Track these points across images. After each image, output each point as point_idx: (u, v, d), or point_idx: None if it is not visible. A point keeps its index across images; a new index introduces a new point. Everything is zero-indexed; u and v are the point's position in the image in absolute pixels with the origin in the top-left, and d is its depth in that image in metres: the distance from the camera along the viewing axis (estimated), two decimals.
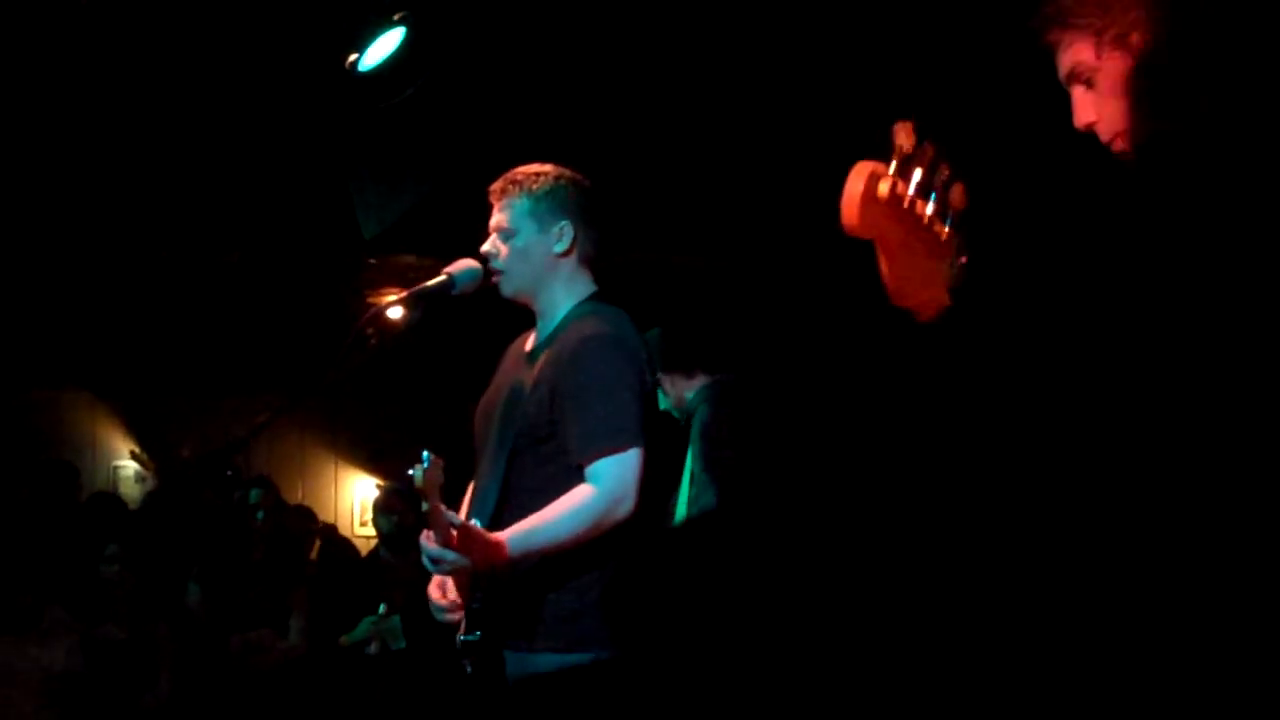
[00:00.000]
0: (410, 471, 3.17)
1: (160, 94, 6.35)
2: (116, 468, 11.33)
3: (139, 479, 11.16)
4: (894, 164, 1.78)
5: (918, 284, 1.83)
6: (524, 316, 3.80)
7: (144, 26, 5.73)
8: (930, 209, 1.82)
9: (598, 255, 3.73)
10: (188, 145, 6.96)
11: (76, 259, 8.72)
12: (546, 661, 3.43)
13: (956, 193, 1.83)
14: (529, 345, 3.77)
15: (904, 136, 1.77)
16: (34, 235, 8.22)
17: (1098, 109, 2.14)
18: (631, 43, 5.63)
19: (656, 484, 3.59)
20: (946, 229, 1.84)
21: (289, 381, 8.85)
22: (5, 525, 6.16)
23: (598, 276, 3.74)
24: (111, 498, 7.98)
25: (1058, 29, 2.15)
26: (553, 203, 3.67)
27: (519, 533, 3.34)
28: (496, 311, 3.83)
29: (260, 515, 7.17)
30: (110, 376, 10.84)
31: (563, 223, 3.67)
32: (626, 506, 3.39)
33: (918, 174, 1.81)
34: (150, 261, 8.97)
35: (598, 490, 3.38)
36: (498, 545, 3.29)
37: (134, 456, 11.23)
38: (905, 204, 1.78)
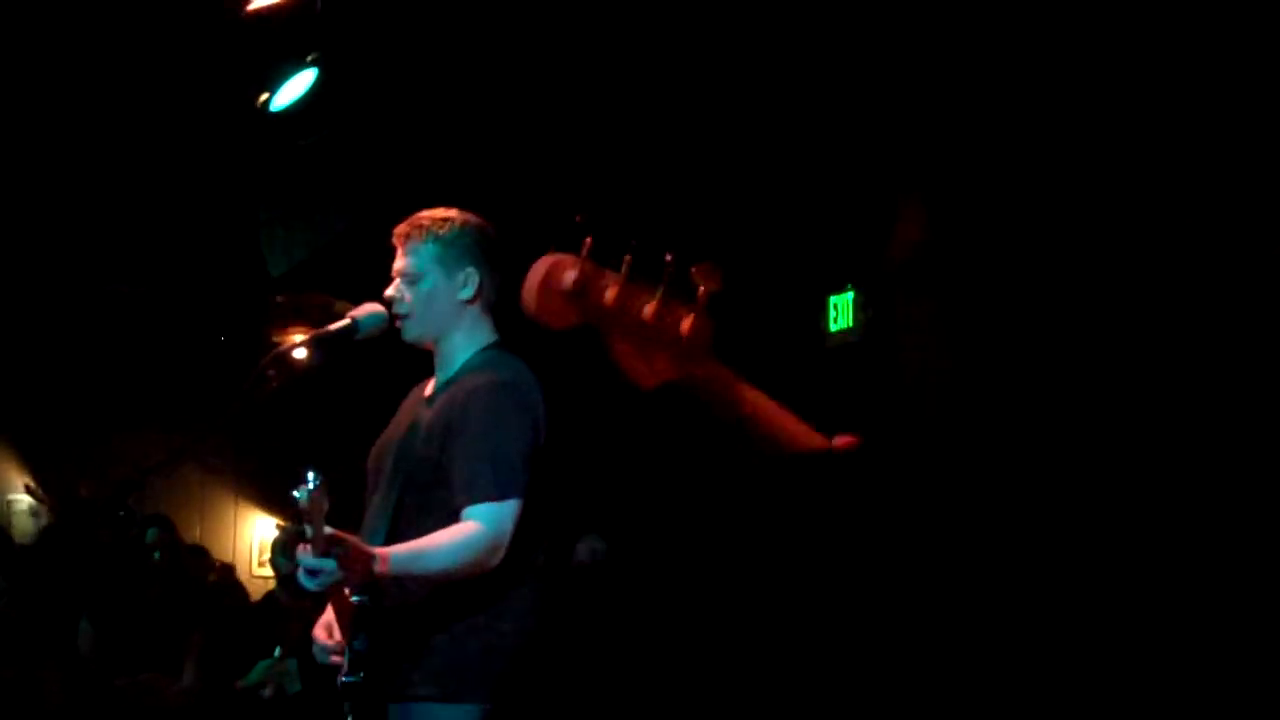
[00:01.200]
0: (294, 493, 3.11)
1: (69, 125, 6.31)
2: (10, 501, 11.13)
3: (33, 513, 10.97)
4: (582, 256, 1.91)
5: (636, 358, 1.96)
6: (428, 358, 3.79)
7: (55, 55, 5.70)
8: (650, 299, 1.94)
9: (499, 302, 3.72)
10: (95, 176, 6.91)
11: None
12: (423, 711, 3.40)
13: (700, 279, 1.95)
14: (428, 390, 3.76)
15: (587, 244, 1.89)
16: None
17: None
18: (533, 82, 5.66)
19: (542, 534, 3.58)
20: (679, 314, 1.96)
21: (191, 419, 8.77)
22: None
23: (498, 324, 3.73)
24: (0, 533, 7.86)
25: None
26: (459, 248, 3.65)
27: (402, 551, 3.31)
28: (401, 354, 3.82)
29: (156, 554, 7.07)
30: (6, 409, 10.67)
31: (469, 269, 3.65)
32: (499, 556, 3.38)
33: (620, 270, 1.93)
34: (51, 293, 8.87)
35: (484, 529, 3.37)
36: (378, 558, 3.24)
37: (29, 491, 11.04)
38: (605, 294, 1.90)
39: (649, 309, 1.94)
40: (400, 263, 3.68)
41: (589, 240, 1.98)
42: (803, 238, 6.96)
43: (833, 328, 7.32)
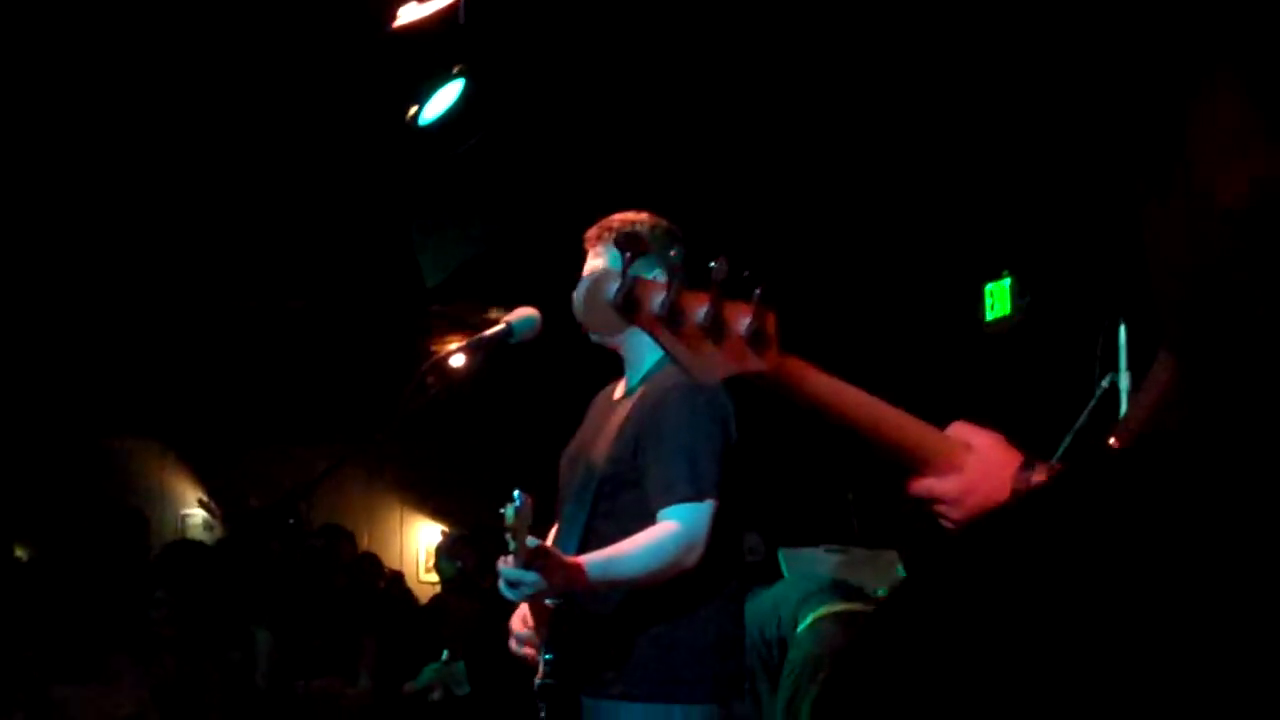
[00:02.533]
0: (502, 510, 3.16)
1: (228, 146, 6.46)
2: (185, 516, 11.42)
3: (207, 527, 11.23)
4: (624, 268, 1.95)
5: (694, 359, 1.96)
6: (593, 365, 3.80)
7: (212, 83, 5.83)
8: (702, 301, 1.93)
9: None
10: (254, 196, 7.06)
11: (147, 308, 8.84)
12: (617, 709, 3.43)
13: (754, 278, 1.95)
14: (617, 394, 3.77)
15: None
16: (106, 285, 8.34)
17: None
18: (688, 91, 5.66)
19: (736, 533, 3.60)
20: (735, 311, 1.95)
21: (354, 429, 8.92)
22: (75, 573, 6.23)
23: None
24: (185, 544, 8.06)
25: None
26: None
27: (599, 559, 3.33)
28: (562, 360, 3.84)
29: (332, 564, 7.21)
30: (179, 425, 10.94)
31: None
32: (695, 555, 3.37)
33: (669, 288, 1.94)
34: (219, 310, 9.09)
35: (679, 530, 3.38)
36: (576, 568, 3.28)
37: (202, 505, 11.31)
38: (653, 300, 1.94)
39: (701, 311, 1.94)
40: (590, 264, 3.67)
41: (629, 255, 2.02)
42: (959, 227, 6.90)
43: (990, 315, 7.25)
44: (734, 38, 5.41)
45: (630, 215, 3.71)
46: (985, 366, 7.26)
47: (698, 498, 3.40)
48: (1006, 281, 7.12)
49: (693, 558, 3.38)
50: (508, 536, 3.19)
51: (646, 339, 3.58)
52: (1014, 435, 2.19)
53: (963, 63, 5.40)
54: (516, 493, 3.16)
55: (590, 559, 3.33)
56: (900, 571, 6.56)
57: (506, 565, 3.26)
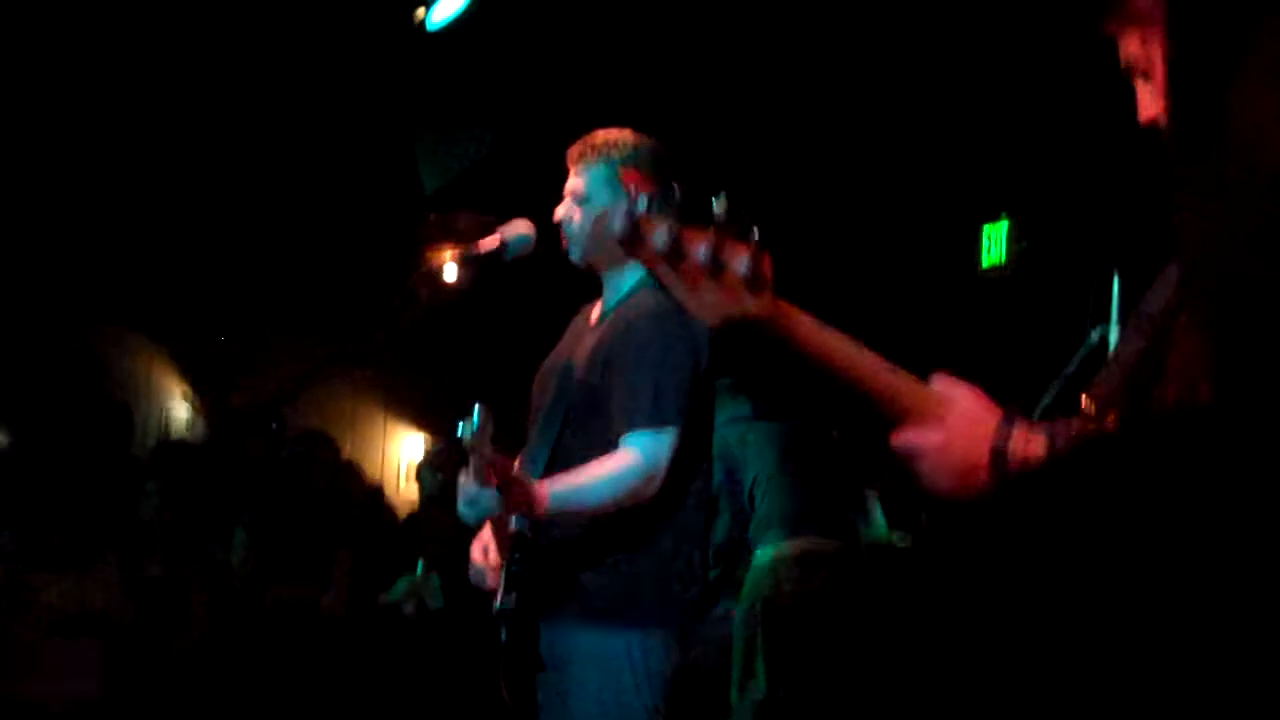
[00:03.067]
0: (459, 426, 3.13)
1: (223, 36, 6.39)
2: (168, 410, 11.40)
3: (190, 424, 11.23)
4: (631, 202, 1.97)
5: (694, 298, 1.98)
6: (584, 281, 3.77)
7: None
8: (702, 240, 1.94)
9: None
10: (253, 91, 7.00)
11: (137, 198, 8.78)
12: (576, 634, 3.43)
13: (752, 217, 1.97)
14: (593, 316, 3.74)
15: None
16: (95, 175, 8.29)
17: (1155, 102, 1.92)
18: (693, 16, 5.61)
19: (700, 462, 3.58)
20: (735, 251, 1.95)
21: (343, 333, 8.89)
22: (57, 463, 6.21)
23: None
24: (181, 444, 8.06)
25: (1111, 20, 2.04)
26: (630, 169, 3.62)
27: (561, 489, 3.32)
28: (554, 274, 3.81)
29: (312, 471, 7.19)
30: (167, 317, 10.90)
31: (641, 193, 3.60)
32: (654, 485, 3.37)
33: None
34: (214, 204, 9.03)
35: (639, 459, 3.36)
36: (538, 493, 3.26)
37: (186, 399, 11.29)
38: (656, 237, 1.94)
39: (702, 249, 1.93)
40: (571, 183, 3.64)
41: (634, 190, 2.03)
42: (957, 169, 6.86)
43: (986, 260, 7.23)
44: None
45: (614, 133, 3.65)
46: (978, 310, 7.24)
47: (659, 425, 3.38)
48: (1004, 225, 7.09)
49: (652, 488, 3.37)
50: (469, 456, 3.17)
51: (628, 265, 3.58)
52: (1002, 381, 2.18)
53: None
54: (476, 407, 3.12)
55: (554, 488, 3.30)
56: (879, 512, 6.57)
57: (466, 482, 3.24)
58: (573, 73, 5.96)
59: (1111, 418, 2.00)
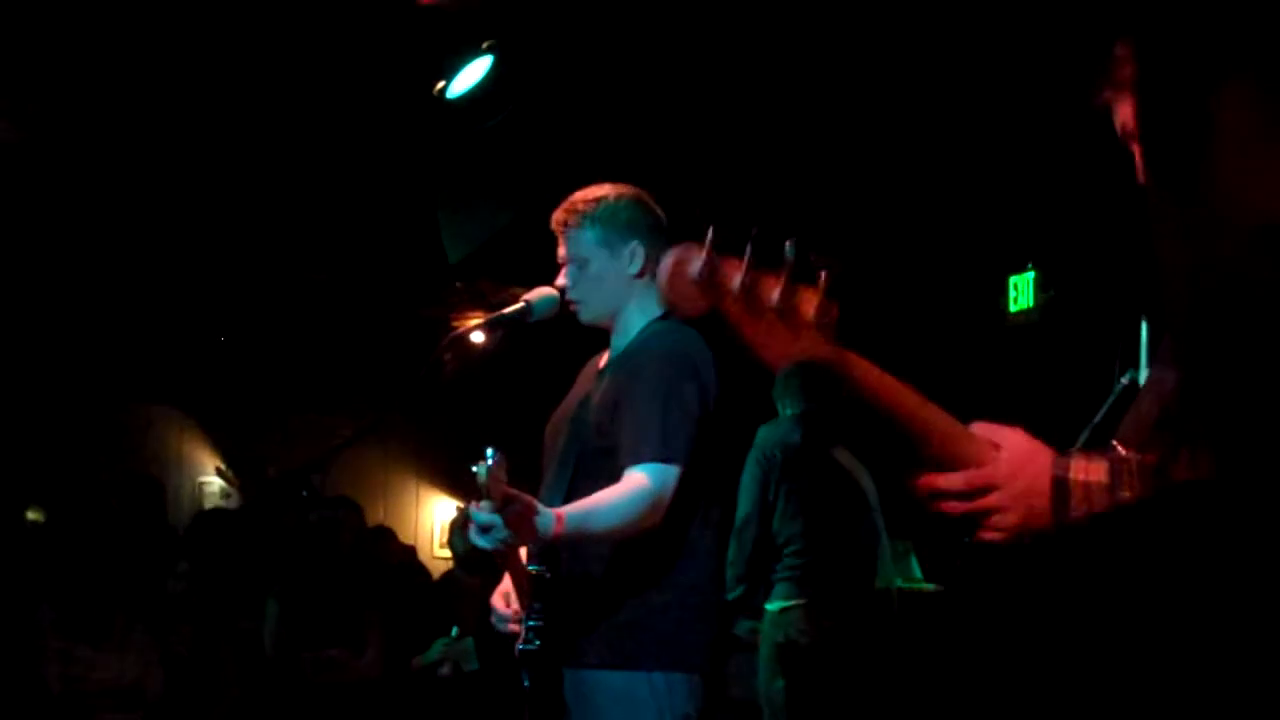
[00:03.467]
0: (474, 469, 3.12)
1: (256, 117, 6.46)
2: (202, 484, 11.45)
3: (224, 495, 11.27)
4: (706, 245, 2.00)
5: (763, 341, 2.02)
6: (603, 337, 3.81)
7: (249, 54, 5.83)
8: (774, 283, 1.99)
9: None
10: (281, 167, 7.06)
11: (171, 276, 8.86)
12: (597, 677, 3.43)
13: (821, 263, 2.04)
14: (602, 362, 3.78)
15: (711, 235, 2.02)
16: (131, 252, 8.36)
17: None
18: (710, 69, 5.65)
19: (710, 504, 3.59)
20: (803, 297, 2.00)
21: (373, 402, 8.94)
22: (91, 537, 6.24)
23: None
24: (216, 514, 8.09)
25: (1105, 90, 2.08)
26: (619, 225, 3.64)
27: (577, 510, 3.32)
28: (578, 335, 3.84)
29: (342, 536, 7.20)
30: (198, 393, 10.97)
31: (632, 243, 3.64)
32: (659, 515, 3.37)
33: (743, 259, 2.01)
34: (243, 280, 9.10)
35: (648, 483, 3.36)
36: (555, 516, 3.25)
37: (219, 473, 11.34)
38: (730, 280, 1.99)
39: (774, 293, 1.99)
40: (564, 250, 3.69)
41: (711, 230, 2.07)
42: (984, 219, 6.88)
43: (1013, 308, 7.23)
44: (762, 23, 5.39)
45: (591, 192, 3.70)
46: (1008, 358, 7.24)
47: (665, 460, 3.38)
48: (1030, 274, 7.11)
49: (657, 517, 3.37)
50: (483, 497, 3.16)
51: (633, 310, 3.64)
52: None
53: (988, 53, 5.37)
54: (490, 450, 3.13)
55: (569, 510, 3.31)
56: (914, 561, 6.58)
57: (478, 509, 3.23)
58: (592, 140, 6.01)
59: (1183, 454, 2.03)
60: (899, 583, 6.24)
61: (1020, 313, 7.20)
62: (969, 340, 7.48)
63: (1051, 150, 5.63)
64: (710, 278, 1.99)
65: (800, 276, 2.02)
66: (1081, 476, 1.97)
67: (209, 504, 10.92)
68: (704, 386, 3.51)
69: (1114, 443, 2.29)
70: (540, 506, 3.24)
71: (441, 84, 5.30)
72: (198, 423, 11.44)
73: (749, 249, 2.02)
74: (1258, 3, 1.13)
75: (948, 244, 7.16)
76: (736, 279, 1.98)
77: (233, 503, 11.03)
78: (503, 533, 3.20)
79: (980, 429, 2.11)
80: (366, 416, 8.31)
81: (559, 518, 3.26)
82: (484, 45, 5.22)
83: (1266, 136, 1.01)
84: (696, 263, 1.99)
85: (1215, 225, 1.04)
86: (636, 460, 3.40)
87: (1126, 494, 1.91)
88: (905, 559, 6.58)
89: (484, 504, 3.17)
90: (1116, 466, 1.96)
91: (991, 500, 2.05)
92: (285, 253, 8.55)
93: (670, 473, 3.39)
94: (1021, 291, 7.17)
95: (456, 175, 6.74)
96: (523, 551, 3.40)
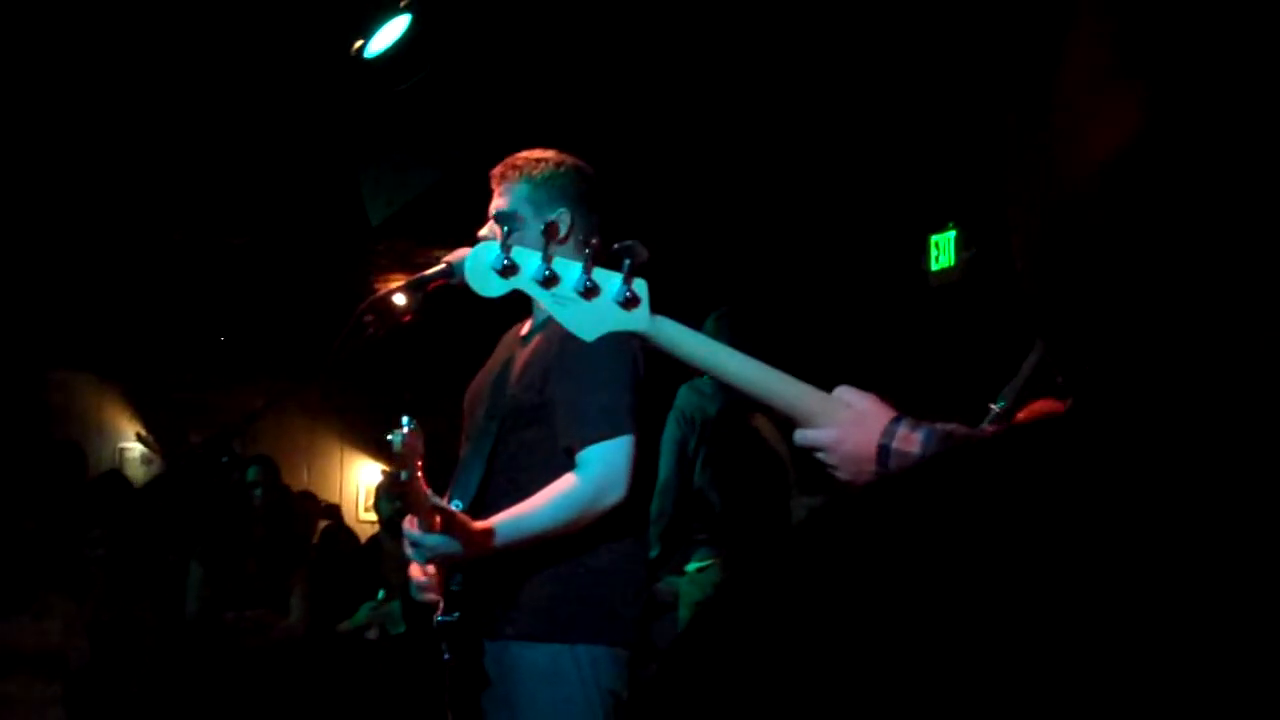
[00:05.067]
0: (389, 437, 3.13)
1: (169, 80, 6.37)
2: (122, 449, 11.35)
3: (145, 461, 11.18)
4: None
5: (573, 323, 2.37)
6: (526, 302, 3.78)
7: (157, 13, 5.74)
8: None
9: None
10: (195, 131, 6.97)
11: (88, 242, 8.74)
12: (518, 650, 3.41)
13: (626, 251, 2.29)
14: (523, 330, 3.77)
15: None
16: (46, 219, 8.24)
17: None
18: (635, 32, 5.62)
19: (644, 474, 3.58)
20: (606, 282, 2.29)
21: (295, 366, 8.87)
22: (9, 504, 6.17)
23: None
24: (117, 476, 8.00)
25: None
26: (552, 189, 3.63)
27: (506, 520, 3.33)
28: (505, 299, 3.81)
29: (258, 493, 7.17)
30: (117, 358, 10.86)
31: (560, 210, 3.62)
32: (616, 494, 3.37)
33: None
34: (159, 245, 8.99)
35: (583, 478, 3.36)
36: (485, 533, 3.28)
37: (140, 439, 11.24)
38: (530, 274, 2.34)
39: (575, 275, 2.26)
40: (495, 203, 3.67)
41: (507, 230, 2.38)
42: (903, 179, 6.90)
43: (934, 266, 7.27)
44: None
45: (536, 153, 3.70)
46: (930, 317, 7.28)
47: (613, 433, 3.39)
48: (951, 233, 7.14)
49: (612, 498, 3.38)
50: (399, 467, 3.18)
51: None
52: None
53: (902, 10, 5.38)
54: (405, 419, 3.14)
55: (498, 522, 3.32)
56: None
57: (411, 528, 3.27)
58: (515, 100, 5.97)
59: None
60: None
61: (941, 271, 7.23)
62: (891, 301, 7.52)
63: (968, 109, 5.65)
64: (505, 267, 2.28)
65: (602, 259, 2.24)
66: (900, 445, 2.15)
67: (130, 470, 10.83)
68: (634, 353, 3.50)
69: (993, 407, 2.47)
70: (471, 524, 3.26)
71: (359, 43, 5.24)
72: (118, 389, 11.33)
73: (553, 235, 2.24)
74: None
75: (867, 205, 7.19)
76: (534, 265, 2.25)
77: (154, 469, 10.95)
78: (434, 550, 3.25)
79: (840, 391, 2.24)
80: (289, 380, 8.24)
81: (488, 532, 3.29)
82: (401, 4, 5.17)
83: (1110, 73, 1.00)
84: (493, 252, 2.30)
85: (1059, 160, 1.02)
86: (584, 439, 3.40)
87: None
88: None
89: (415, 520, 3.25)
90: (928, 438, 2.14)
91: (823, 458, 2.22)
92: (204, 217, 8.45)
93: (620, 445, 3.39)
94: (943, 250, 7.21)
95: (377, 136, 6.68)
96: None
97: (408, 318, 3.76)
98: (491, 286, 2.27)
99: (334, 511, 9.23)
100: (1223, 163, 0.87)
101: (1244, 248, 0.87)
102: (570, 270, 2.21)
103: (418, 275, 3.67)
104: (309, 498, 8.80)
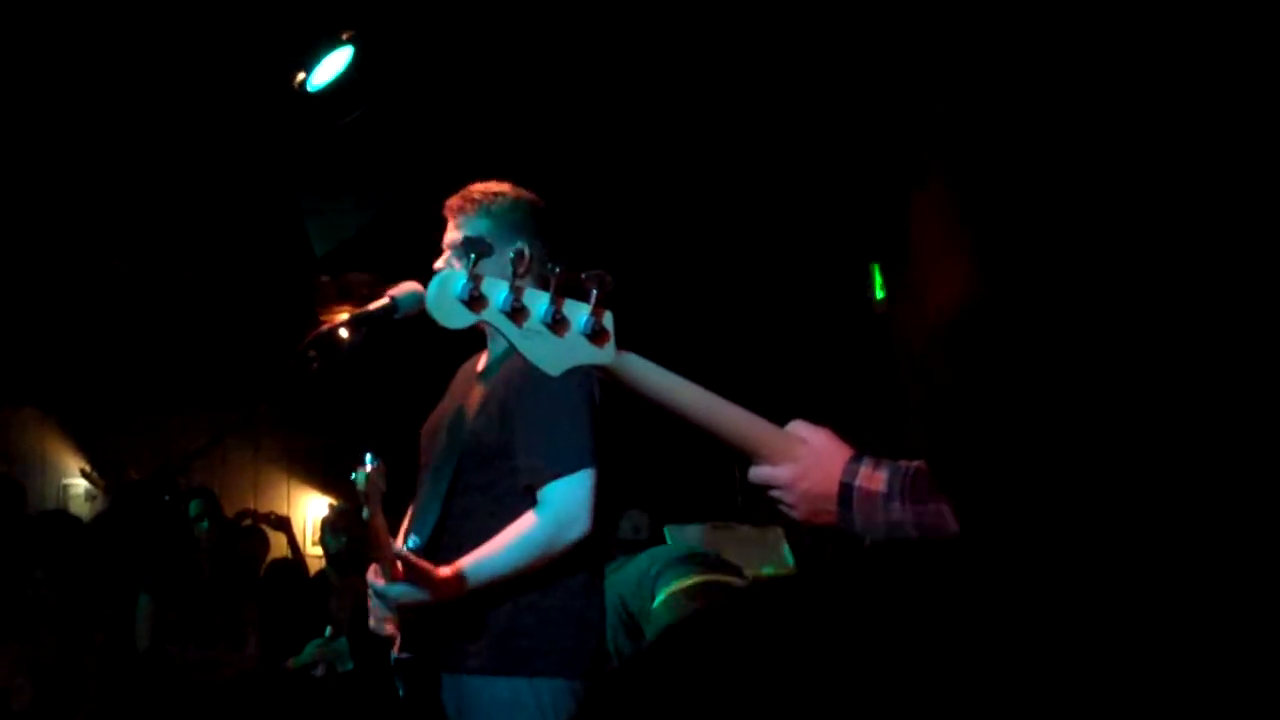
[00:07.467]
0: (353, 475, 3.12)
1: (111, 108, 6.33)
2: (66, 485, 11.23)
3: (89, 497, 11.06)
4: None
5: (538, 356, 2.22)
6: (480, 340, 3.77)
7: (102, 43, 5.72)
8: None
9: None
10: (140, 161, 6.94)
11: (27, 274, 8.67)
12: (476, 684, 3.39)
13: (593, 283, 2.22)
14: (480, 365, 3.75)
15: None
16: None
17: None
18: (575, 66, 5.64)
19: (606, 506, 3.58)
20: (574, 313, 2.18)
21: (239, 399, 8.82)
22: None
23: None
24: (62, 515, 7.92)
25: None
26: (513, 221, 3.62)
27: (472, 564, 3.32)
28: (450, 333, 3.80)
29: (204, 525, 7.11)
30: (60, 393, 10.75)
31: (519, 242, 3.60)
32: (579, 529, 3.36)
33: None
34: (102, 277, 8.93)
35: (543, 518, 3.35)
36: (454, 579, 3.27)
37: (85, 475, 11.13)
38: (496, 304, 2.20)
39: (541, 307, 2.17)
40: (450, 235, 3.65)
41: (474, 257, 2.26)
42: (848, 205, 6.93)
43: (880, 294, 7.30)
44: (617, 11, 5.39)
45: (493, 186, 3.69)
46: (873, 346, 7.30)
47: (574, 468, 3.38)
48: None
49: (575, 532, 3.37)
50: (363, 505, 3.17)
51: None
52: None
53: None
54: (368, 456, 3.12)
55: (465, 566, 3.32)
56: (785, 549, 6.61)
57: (375, 579, 3.28)
58: (458, 132, 5.97)
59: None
60: (768, 570, 6.24)
61: (885, 300, 7.25)
62: (835, 330, 7.54)
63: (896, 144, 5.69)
64: (471, 296, 2.15)
65: (571, 290, 2.15)
66: (864, 484, 2.12)
67: (74, 506, 10.71)
68: (591, 385, 3.49)
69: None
70: (437, 572, 3.26)
71: (302, 76, 5.23)
72: (60, 424, 11.21)
73: (522, 264, 2.21)
74: (950, 112, 1.19)
75: (809, 235, 7.21)
76: (500, 295, 2.14)
77: (99, 505, 10.84)
78: (401, 598, 3.26)
79: (794, 427, 2.23)
80: (233, 413, 8.19)
81: (458, 579, 3.29)
82: (344, 36, 5.17)
83: (946, 244, 1.09)
84: (458, 283, 2.15)
85: (915, 307, 1.13)
86: (543, 476, 3.39)
87: (896, 505, 2.08)
88: (777, 547, 6.61)
89: (379, 571, 3.27)
90: (893, 477, 2.11)
91: (778, 495, 2.20)
92: (146, 248, 8.40)
93: (580, 479, 3.38)
94: (880, 280, 7.24)
95: (321, 168, 6.67)
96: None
97: (353, 351, 3.74)
98: (456, 318, 2.16)
99: (284, 524, 9.09)
100: (1034, 335, 0.97)
101: (1047, 406, 0.99)
102: (538, 302, 2.14)
103: (361, 310, 3.65)
104: (257, 534, 8.70)
